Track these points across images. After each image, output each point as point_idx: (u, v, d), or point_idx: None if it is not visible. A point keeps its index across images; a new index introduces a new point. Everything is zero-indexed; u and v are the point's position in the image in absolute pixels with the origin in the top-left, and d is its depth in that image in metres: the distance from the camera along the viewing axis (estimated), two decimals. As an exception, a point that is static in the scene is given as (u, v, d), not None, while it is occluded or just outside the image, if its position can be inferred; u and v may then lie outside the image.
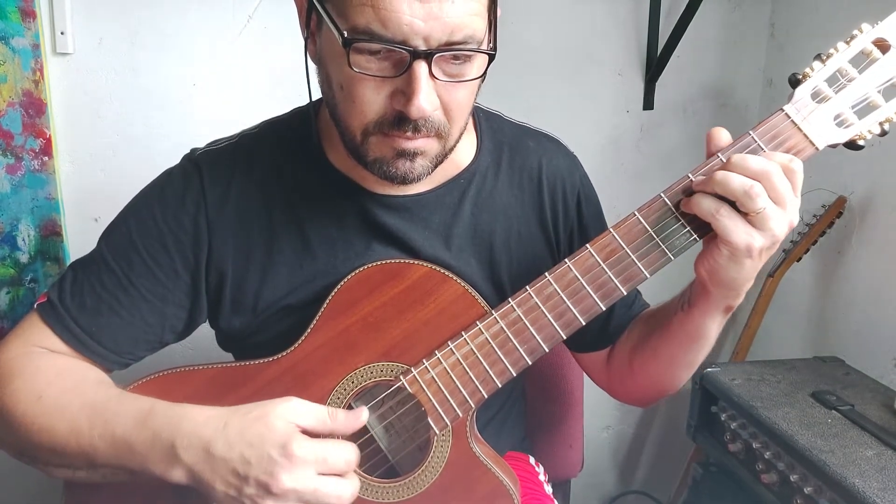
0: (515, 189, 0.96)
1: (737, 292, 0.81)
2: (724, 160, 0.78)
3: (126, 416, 0.78)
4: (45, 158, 1.52)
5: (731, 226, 0.74)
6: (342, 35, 0.73)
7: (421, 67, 0.73)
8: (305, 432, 0.75)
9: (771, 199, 0.73)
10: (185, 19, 1.57)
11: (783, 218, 0.74)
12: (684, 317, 0.86)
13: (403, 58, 0.73)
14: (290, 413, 0.75)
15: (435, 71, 0.75)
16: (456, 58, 0.76)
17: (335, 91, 0.80)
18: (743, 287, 0.80)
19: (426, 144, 0.80)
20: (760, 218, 0.74)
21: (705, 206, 0.75)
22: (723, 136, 0.79)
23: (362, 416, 0.79)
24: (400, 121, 0.77)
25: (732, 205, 0.75)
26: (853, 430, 1.30)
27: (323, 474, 0.74)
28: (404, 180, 0.82)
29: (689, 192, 0.79)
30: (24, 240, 1.53)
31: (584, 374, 1.31)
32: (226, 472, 0.73)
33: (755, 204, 0.73)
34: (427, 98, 0.74)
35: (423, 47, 0.72)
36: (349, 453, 0.76)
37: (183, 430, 0.75)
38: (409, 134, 0.78)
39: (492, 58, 0.78)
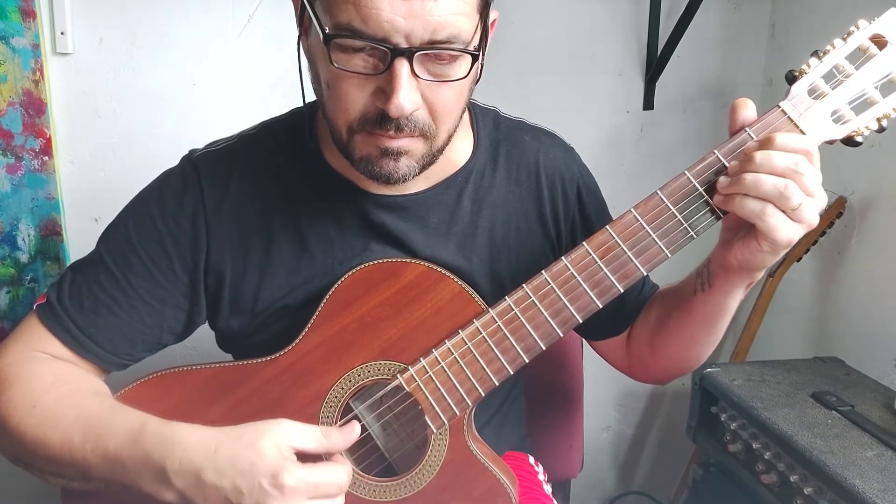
0: (513, 184, 0.96)
1: (762, 272, 0.81)
2: (721, 158, 0.78)
3: (118, 433, 0.77)
4: (45, 158, 1.52)
5: (777, 224, 0.73)
6: (323, 31, 0.74)
7: (402, 65, 0.73)
8: (301, 453, 0.75)
9: (804, 192, 0.73)
10: (185, 19, 1.57)
11: (817, 206, 0.74)
12: (705, 297, 0.86)
13: (385, 55, 0.73)
14: (282, 437, 0.74)
15: (417, 70, 0.74)
16: (440, 57, 0.75)
17: (323, 88, 0.81)
18: (768, 266, 0.80)
19: (410, 144, 0.80)
20: (797, 213, 0.73)
21: (750, 207, 0.74)
22: (749, 107, 0.78)
23: (355, 431, 0.79)
24: (382, 119, 0.77)
25: None
26: (853, 430, 1.29)
27: (315, 498, 0.73)
28: (388, 180, 0.82)
29: (688, 187, 0.79)
30: (24, 240, 1.53)
31: (584, 371, 1.32)
32: (218, 499, 0.73)
33: (791, 202, 0.72)
34: (407, 96, 0.74)
35: (404, 45, 0.72)
36: (341, 476, 0.75)
37: (174, 453, 0.74)
38: (391, 133, 0.78)
39: (475, 58, 0.77)
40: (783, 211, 0.73)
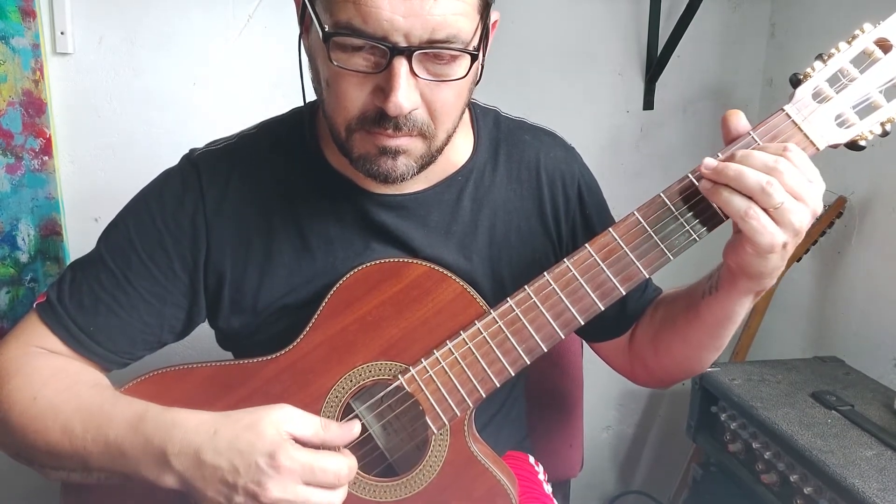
0: (514, 184, 0.96)
1: (768, 280, 0.80)
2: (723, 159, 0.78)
3: (119, 421, 0.78)
4: (45, 158, 1.52)
5: (759, 227, 0.72)
6: (323, 30, 0.74)
7: (401, 64, 0.73)
8: (298, 440, 0.75)
9: (787, 192, 0.72)
10: (185, 19, 1.57)
11: (803, 210, 0.73)
12: (712, 301, 0.85)
13: (385, 54, 0.73)
14: (282, 421, 0.75)
15: (416, 69, 0.74)
16: (440, 57, 0.75)
17: (323, 87, 0.81)
18: (773, 276, 0.79)
19: (409, 143, 0.80)
20: (780, 213, 0.72)
21: (736, 204, 0.73)
22: (741, 119, 0.78)
23: (354, 429, 0.79)
24: (381, 118, 0.77)
25: None
26: (853, 430, 1.29)
27: (311, 485, 0.73)
28: (386, 179, 0.82)
29: (691, 190, 0.78)
30: (24, 239, 1.53)
31: (584, 371, 1.32)
32: (216, 480, 0.73)
33: (773, 199, 0.72)
34: (405, 95, 0.74)
35: (403, 44, 0.72)
36: (341, 467, 0.75)
37: (174, 437, 0.75)
38: (390, 132, 0.78)
39: (474, 58, 0.77)
40: (766, 210, 0.72)
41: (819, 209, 0.75)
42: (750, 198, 0.73)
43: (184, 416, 0.77)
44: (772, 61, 1.94)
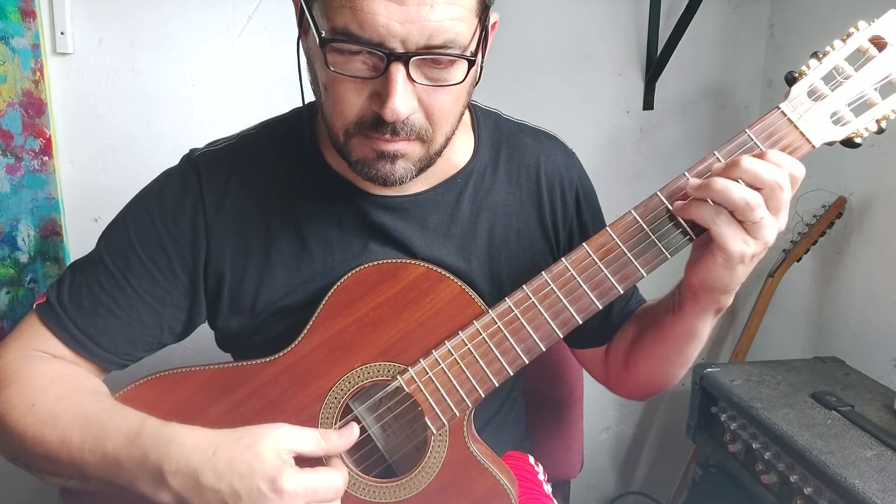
0: (513, 186, 0.96)
1: (728, 295, 0.81)
2: (721, 160, 0.78)
3: (116, 433, 0.77)
4: (45, 158, 1.52)
5: (730, 233, 0.73)
6: (320, 35, 0.74)
7: (398, 70, 0.73)
8: (301, 456, 0.75)
9: (769, 208, 0.73)
10: (185, 19, 1.57)
11: (775, 226, 0.75)
12: (675, 318, 0.86)
13: (382, 60, 0.73)
14: (281, 441, 0.74)
15: (414, 74, 0.74)
16: (437, 62, 0.75)
17: (321, 91, 0.81)
18: (733, 290, 0.80)
19: (407, 148, 0.80)
20: (756, 227, 0.73)
21: (703, 213, 0.74)
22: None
23: (353, 432, 0.80)
24: (378, 123, 0.77)
25: None
26: (853, 430, 1.29)
27: (312, 503, 0.74)
28: (385, 182, 0.82)
29: (685, 195, 0.79)
30: (23, 240, 1.53)
31: (584, 371, 1.32)
32: (215, 502, 0.73)
33: (754, 214, 0.72)
34: (402, 101, 0.74)
35: (399, 50, 0.72)
36: (338, 481, 0.76)
37: (171, 454, 0.74)
38: (387, 136, 0.78)
39: (472, 63, 0.77)
40: (742, 222, 0.73)
41: (784, 225, 0.76)
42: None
43: (181, 433, 0.75)
44: (771, 62, 1.94)
